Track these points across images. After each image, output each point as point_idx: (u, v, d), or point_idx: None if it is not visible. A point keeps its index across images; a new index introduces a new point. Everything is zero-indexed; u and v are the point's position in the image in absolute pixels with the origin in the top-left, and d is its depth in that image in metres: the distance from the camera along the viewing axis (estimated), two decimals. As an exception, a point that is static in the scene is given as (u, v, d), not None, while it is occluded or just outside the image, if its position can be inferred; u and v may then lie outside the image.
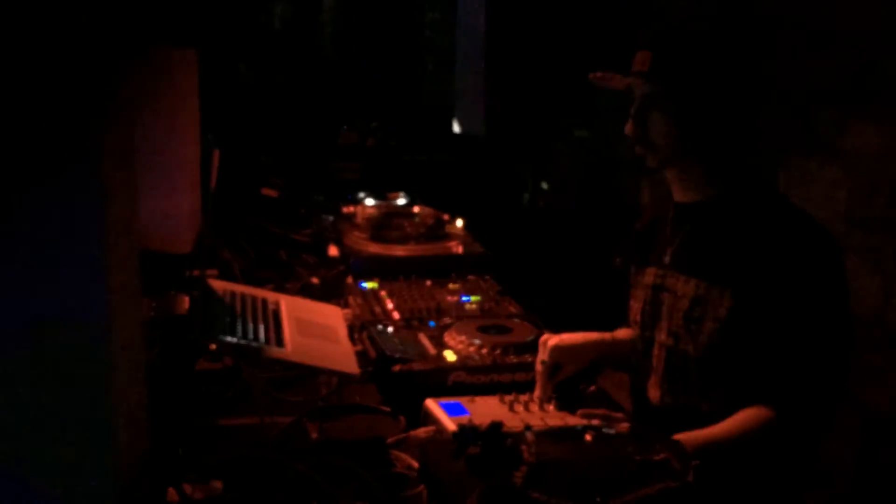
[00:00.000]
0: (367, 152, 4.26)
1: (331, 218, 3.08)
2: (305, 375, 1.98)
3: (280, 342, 1.95)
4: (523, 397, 1.80)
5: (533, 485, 1.29)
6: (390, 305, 2.31)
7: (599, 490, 1.28)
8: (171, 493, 1.51)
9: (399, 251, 2.69)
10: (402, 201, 3.34)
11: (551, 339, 1.87)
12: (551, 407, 1.79)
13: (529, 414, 1.75)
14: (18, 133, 1.20)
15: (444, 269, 2.61)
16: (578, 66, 3.54)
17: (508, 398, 1.79)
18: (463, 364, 1.92)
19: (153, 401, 1.45)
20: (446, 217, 2.94)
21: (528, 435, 1.40)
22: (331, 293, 2.53)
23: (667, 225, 1.86)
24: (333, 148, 4.29)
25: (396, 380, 1.88)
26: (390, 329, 2.11)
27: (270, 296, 2.26)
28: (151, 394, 1.43)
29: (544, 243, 4.34)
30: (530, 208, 4.01)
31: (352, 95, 5.51)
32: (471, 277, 2.58)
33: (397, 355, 1.94)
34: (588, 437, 1.47)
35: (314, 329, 2.12)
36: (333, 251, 2.86)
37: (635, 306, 1.91)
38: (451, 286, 2.49)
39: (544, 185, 4.38)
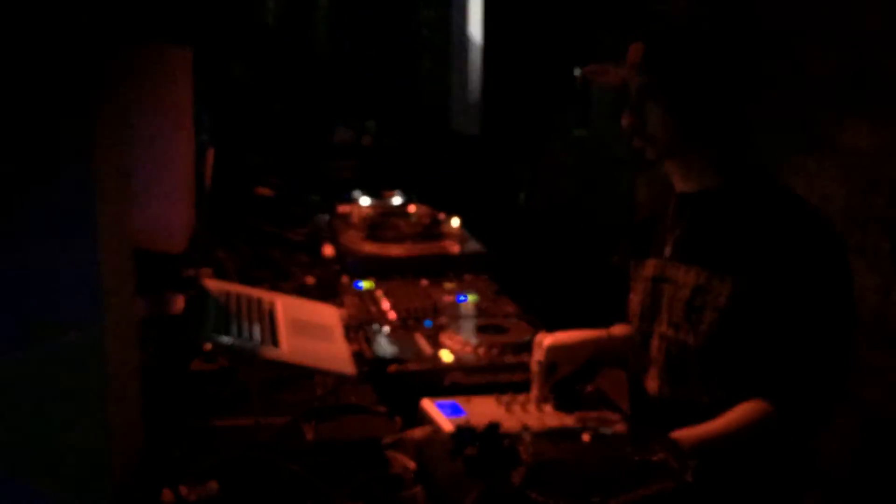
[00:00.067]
0: (362, 151, 4.26)
1: (326, 217, 3.08)
2: (301, 376, 1.97)
3: (275, 342, 1.94)
4: (520, 397, 1.80)
5: (531, 485, 1.29)
6: (386, 305, 2.30)
7: (597, 490, 1.28)
8: (167, 493, 1.50)
9: (395, 250, 2.69)
10: (397, 200, 3.34)
11: (546, 339, 1.87)
12: (548, 407, 1.79)
13: (526, 414, 1.75)
14: (10, 134, 1.19)
15: (440, 268, 2.61)
16: (575, 64, 3.54)
17: (505, 398, 1.79)
18: (459, 364, 1.92)
19: (148, 401, 1.45)
20: (442, 216, 2.94)
21: (526, 435, 1.40)
22: (326, 293, 2.52)
23: (667, 217, 1.86)
24: (329, 146, 4.29)
25: (392, 380, 1.88)
26: (386, 329, 2.11)
27: (266, 295, 2.25)
28: (146, 394, 1.43)
29: (541, 242, 4.34)
30: (527, 207, 4.01)
31: (347, 94, 5.51)
32: (467, 277, 2.58)
33: (393, 355, 1.93)
34: (586, 438, 1.47)
35: (310, 329, 2.11)
36: (329, 250, 2.86)
37: (634, 299, 1.91)
38: (447, 286, 2.49)
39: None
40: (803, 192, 1.84)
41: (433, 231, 2.82)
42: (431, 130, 5.02)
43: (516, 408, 1.77)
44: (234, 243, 2.89)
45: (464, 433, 1.39)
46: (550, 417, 1.74)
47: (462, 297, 2.39)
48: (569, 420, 1.72)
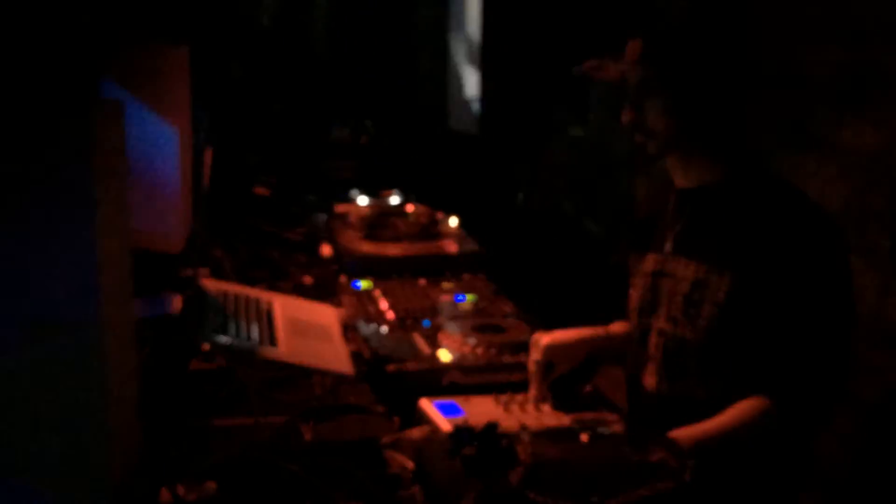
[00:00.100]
0: (360, 150, 4.26)
1: (324, 216, 3.08)
2: (299, 375, 1.97)
3: (273, 342, 1.94)
4: (518, 397, 1.80)
5: (529, 485, 1.29)
6: (384, 305, 2.30)
7: (596, 490, 1.28)
8: (165, 493, 1.50)
9: (393, 250, 2.69)
10: (395, 200, 3.34)
11: (543, 338, 1.87)
12: (546, 407, 1.79)
13: (525, 414, 1.75)
14: (9, 134, 1.19)
15: (438, 268, 2.61)
16: (573, 64, 3.54)
17: (503, 398, 1.79)
18: (457, 364, 1.92)
19: (146, 401, 1.44)
20: (440, 216, 2.94)
21: (524, 435, 1.40)
22: (324, 292, 2.52)
23: (667, 213, 1.87)
24: (326, 146, 4.29)
25: (390, 380, 1.88)
26: (384, 329, 2.11)
27: (263, 295, 2.26)
28: (145, 394, 1.43)
29: (539, 242, 4.34)
30: (525, 207, 4.01)
31: (345, 93, 5.51)
32: (465, 277, 2.58)
33: (391, 355, 1.93)
34: (584, 438, 1.47)
35: (308, 329, 2.11)
36: (327, 250, 2.86)
37: (634, 295, 1.91)
38: (445, 285, 2.49)
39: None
40: (798, 188, 1.84)
41: (431, 231, 2.82)
42: (429, 130, 5.03)
43: (514, 407, 1.77)
44: (231, 243, 2.89)
45: (462, 433, 1.39)
46: (548, 417, 1.74)
47: (460, 297, 2.39)
48: (565, 421, 1.72)
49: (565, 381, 1.88)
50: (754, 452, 1.69)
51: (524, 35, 3.74)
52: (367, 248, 2.70)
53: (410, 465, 1.60)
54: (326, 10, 6.04)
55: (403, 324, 2.16)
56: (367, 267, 2.57)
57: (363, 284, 2.47)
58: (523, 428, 1.46)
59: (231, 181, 3.28)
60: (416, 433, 1.72)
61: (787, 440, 1.72)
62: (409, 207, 3.16)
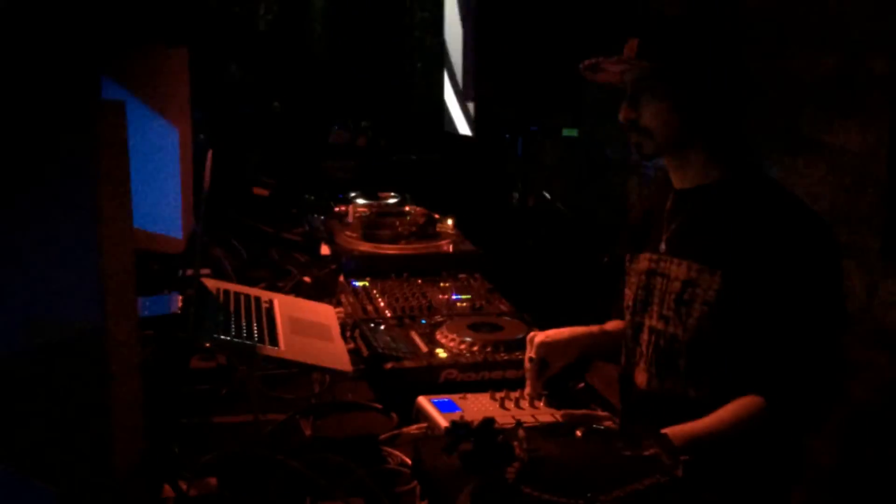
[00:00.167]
0: (358, 152, 4.27)
1: (321, 217, 3.10)
2: (298, 373, 1.99)
3: (273, 340, 1.96)
4: (514, 394, 1.82)
5: (525, 480, 1.30)
6: (382, 304, 2.32)
7: (590, 485, 1.29)
8: (167, 489, 1.52)
9: (390, 250, 2.71)
10: (392, 200, 3.36)
11: (538, 336, 1.88)
12: (541, 403, 1.81)
13: (520, 410, 1.77)
14: (10, 134, 1.20)
15: (434, 267, 2.63)
16: (567, 66, 3.55)
17: (499, 395, 1.81)
18: (454, 361, 1.94)
19: (148, 399, 1.46)
20: (437, 216, 2.96)
21: (520, 431, 1.41)
22: (323, 292, 2.54)
23: (663, 213, 1.87)
24: (324, 147, 4.30)
25: (388, 377, 1.90)
26: (382, 327, 2.13)
27: (263, 294, 2.27)
28: (146, 392, 1.44)
29: (534, 242, 4.35)
30: (520, 207, 4.03)
31: (342, 95, 5.52)
32: (461, 276, 2.60)
33: (389, 353, 1.95)
34: (578, 434, 1.49)
35: (307, 327, 2.13)
36: (325, 250, 2.88)
37: (628, 293, 1.92)
38: (442, 284, 2.51)
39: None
40: (791, 191, 1.85)
41: (428, 231, 2.84)
42: (426, 131, 5.04)
43: (510, 404, 1.79)
44: (232, 243, 2.91)
45: (459, 429, 1.39)
46: (543, 414, 1.76)
47: (457, 296, 2.41)
48: (559, 417, 1.74)
49: (560, 378, 1.90)
50: (747, 450, 1.69)
51: (519, 36, 3.75)
52: (365, 247, 2.72)
53: (408, 461, 1.62)
54: (323, 12, 6.05)
55: (401, 322, 2.18)
56: (366, 266, 2.59)
57: (361, 283, 2.48)
58: (519, 424, 1.47)
59: (231, 182, 3.29)
60: (413, 430, 1.74)
61: (780, 439, 1.73)
62: (407, 208, 3.19)
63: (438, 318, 2.20)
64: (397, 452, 1.67)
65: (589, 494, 1.26)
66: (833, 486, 2.62)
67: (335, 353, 2.00)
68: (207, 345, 1.88)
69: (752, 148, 1.87)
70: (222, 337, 1.89)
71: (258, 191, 3.35)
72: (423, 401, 1.80)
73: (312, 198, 3.38)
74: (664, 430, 1.57)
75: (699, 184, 1.81)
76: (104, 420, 1.26)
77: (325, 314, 2.28)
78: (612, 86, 1.82)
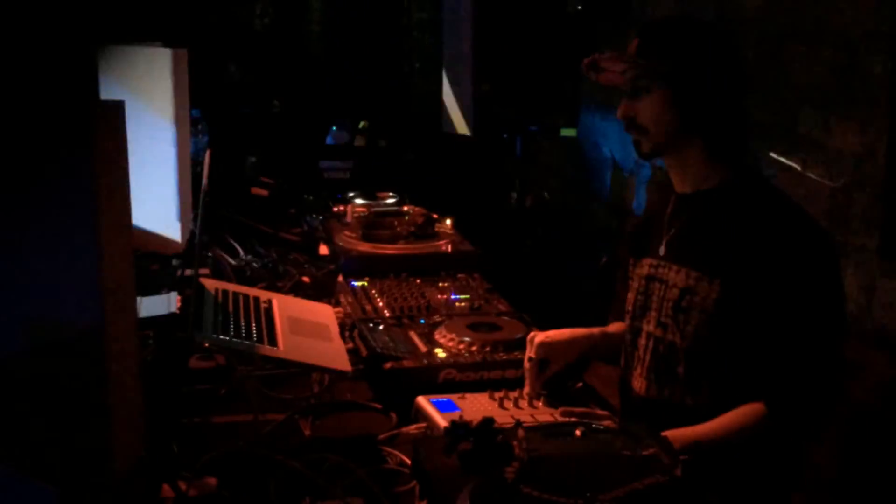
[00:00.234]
0: (356, 152, 4.27)
1: (320, 217, 3.10)
2: (298, 373, 1.99)
3: (272, 340, 1.96)
4: (513, 394, 1.82)
5: (524, 480, 1.30)
6: (381, 303, 2.32)
7: (590, 485, 1.29)
8: (166, 489, 1.52)
9: (389, 250, 2.71)
10: (391, 200, 3.36)
11: (538, 336, 1.89)
12: (540, 403, 1.81)
13: (519, 410, 1.77)
14: (11, 135, 1.21)
15: (433, 267, 2.63)
16: (566, 66, 3.56)
17: (498, 395, 1.81)
18: (453, 361, 1.94)
19: (147, 399, 1.46)
20: (435, 216, 2.96)
21: (520, 431, 1.41)
22: (322, 292, 2.54)
23: (664, 217, 1.87)
24: (323, 148, 4.30)
25: (387, 377, 1.90)
26: (381, 327, 2.13)
27: (262, 294, 2.27)
28: (145, 392, 1.44)
29: (532, 242, 4.36)
30: (518, 207, 4.03)
31: (341, 95, 5.52)
32: (460, 276, 2.60)
33: (388, 353, 1.95)
34: (578, 433, 1.49)
35: (306, 327, 2.13)
36: (324, 250, 2.88)
37: (630, 297, 1.92)
38: (440, 284, 2.51)
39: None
40: (789, 192, 1.85)
41: (427, 231, 2.84)
42: (424, 132, 5.04)
43: (509, 404, 1.79)
44: (230, 243, 2.91)
45: (458, 429, 1.39)
46: (542, 413, 1.76)
47: (456, 296, 2.41)
48: (555, 417, 1.74)
49: (559, 378, 1.90)
50: (747, 455, 1.69)
51: (517, 37, 3.76)
52: (364, 247, 2.72)
53: (408, 460, 1.62)
54: (322, 13, 6.05)
55: (400, 322, 2.18)
56: (364, 266, 2.59)
57: (360, 283, 2.49)
58: (518, 424, 1.47)
59: (230, 182, 3.30)
60: (412, 429, 1.75)
61: (782, 446, 1.73)
62: (405, 208, 3.19)
63: (437, 318, 2.20)
64: (396, 452, 1.67)
65: (588, 494, 1.26)
66: (832, 486, 2.62)
67: (334, 353, 2.00)
68: (206, 345, 1.89)
69: (750, 149, 1.87)
70: (221, 337, 1.89)
71: (257, 191, 3.36)
72: (422, 400, 1.80)
73: (311, 198, 3.39)
74: (664, 433, 1.57)
75: (699, 188, 1.81)
76: (104, 420, 1.26)
77: (325, 314, 2.28)
78: (615, 86, 1.82)
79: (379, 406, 1.86)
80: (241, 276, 2.63)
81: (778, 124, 2.93)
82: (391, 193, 3.45)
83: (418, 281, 2.53)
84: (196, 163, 3.04)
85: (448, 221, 2.96)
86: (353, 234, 2.80)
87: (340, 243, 2.74)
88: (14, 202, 1.21)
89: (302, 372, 1.98)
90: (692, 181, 1.82)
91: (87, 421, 1.25)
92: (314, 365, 1.92)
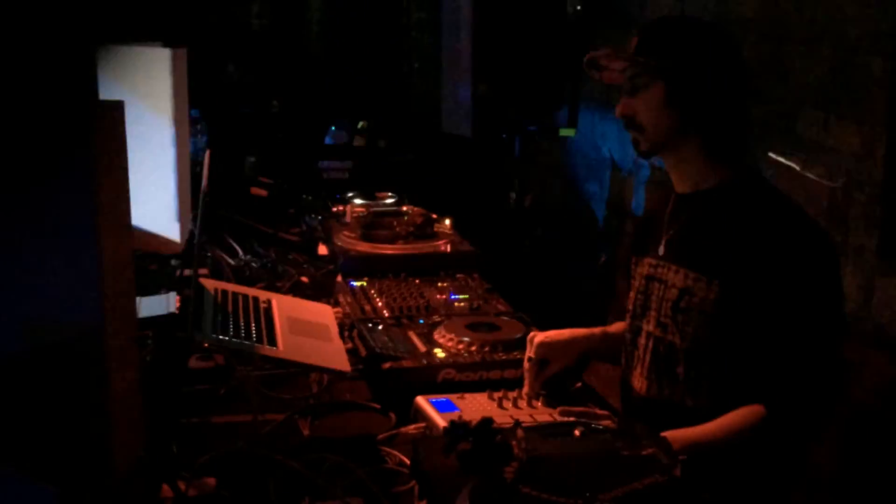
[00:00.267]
0: (355, 152, 4.27)
1: (319, 217, 3.10)
2: (297, 373, 1.99)
3: (272, 340, 1.96)
4: (512, 394, 1.82)
5: (523, 480, 1.30)
6: (380, 303, 2.33)
7: (589, 485, 1.29)
8: (166, 489, 1.52)
9: (388, 250, 2.71)
10: (390, 200, 3.37)
11: (537, 336, 1.89)
12: (539, 403, 1.81)
13: (518, 410, 1.78)
14: (11, 135, 1.21)
15: (432, 267, 2.64)
16: (565, 66, 3.56)
17: (497, 395, 1.81)
18: (452, 361, 1.94)
19: (146, 399, 1.46)
20: (434, 216, 2.96)
21: (519, 431, 1.42)
22: (321, 292, 2.55)
23: (664, 216, 1.87)
24: (322, 148, 4.30)
25: (387, 377, 1.90)
26: (380, 327, 2.13)
27: (262, 294, 2.28)
28: (145, 392, 1.45)
29: (531, 242, 4.36)
30: (517, 207, 4.03)
31: (340, 95, 5.52)
32: (459, 276, 2.60)
33: (387, 353, 1.96)
34: (577, 433, 1.49)
35: (305, 327, 2.13)
36: (323, 250, 2.88)
37: (631, 296, 1.93)
38: (439, 284, 2.51)
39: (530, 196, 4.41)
40: (788, 191, 1.85)
41: (426, 231, 2.84)
42: (423, 132, 5.04)
43: (508, 404, 1.79)
44: (229, 243, 2.91)
45: (457, 429, 1.40)
46: (541, 413, 1.76)
47: (454, 296, 2.41)
48: (554, 417, 1.74)
49: (559, 378, 1.90)
50: (747, 457, 1.69)
51: (516, 37, 3.76)
52: (363, 247, 2.72)
53: (407, 460, 1.63)
54: (320, 12, 6.05)
55: (399, 322, 2.18)
56: (363, 266, 2.59)
57: (359, 283, 2.49)
58: (518, 423, 1.48)
59: (229, 182, 3.30)
60: (412, 429, 1.75)
61: (782, 448, 1.72)
62: (404, 208, 3.19)
63: (436, 318, 2.21)
64: (396, 452, 1.67)
65: (587, 494, 1.27)
66: (831, 486, 2.62)
67: (334, 353, 2.01)
68: (206, 345, 1.89)
69: (750, 149, 1.87)
70: (220, 337, 1.89)
71: (256, 191, 3.36)
72: (421, 400, 1.80)
73: (310, 198, 3.39)
74: (663, 434, 1.58)
75: (698, 188, 1.81)
76: (103, 420, 1.27)
77: (324, 314, 2.28)
78: (617, 85, 1.83)
79: (378, 406, 1.86)
80: (240, 276, 2.63)
81: (776, 124, 2.93)
82: (390, 193, 3.45)
83: (417, 281, 2.54)
84: (195, 163, 3.04)
85: (447, 221, 2.96)
86: (352, 234, 2.80)
87: (339, 243, 2.74)
88: (14, 202, 1.21)
89: (301, 372, 1.99)
90: (691, 181, 1.82)
91: (87, 421, 1.26)
92: (313, 365, 1.92)
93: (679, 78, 1.73)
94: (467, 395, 1.81)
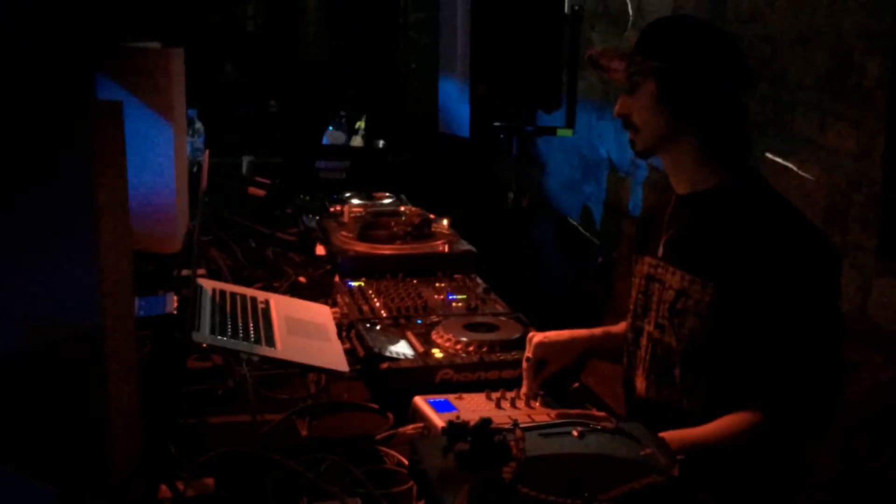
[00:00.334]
0: (352, 152, 4.27)
1: (316, 218, 3.10)
2: (295, 373, 1.99)
3: (270, 341, 1.96)
4: (510, 394, 1.82)
5: (521, 480, 1.30)
6: (378, 304, 2.33)
7: (587, 485, 1.29)
8: (164, 489, 1.52)
9: (386, 250, 2.71)
10: (388, 201, 3.37)
11: (536, 337, 1.89)
12: (537, 403, 1.81)
13: (516, 410, 1.77)
14: (9, 135, 1.21)
15: (430, 267, 2.63)
16: (563, 66, 3.56)
17: (495, 395, 1.81)
18: (450, 361, 1.94)
19: (145, 399, 1.46)
20: (432, 216, 2.96)
21: (517, 431, 1.42)
22: (319, 292, 2.55)
23: (664, 216, 1.88)
24: (319, 148, 4.30)
25: (384, 377, 1.90)
26: (378, 327, 2.13)
27: (259, 295, 2.27)
28: (143, 392, 1.45)
29: (529, 242, 4.36)
30: (515, 207, 4.04)
31: (338, 96, 5.52)
32: (457, 276, 2.60)
33: (385, 353, 1.96)
34: (575, 433, 1.49)
35: (303, 327, 2.13)
36: (320, 250, 2.88)
37: (632, 295, 1.93)
38: (437, 285, 2.51)
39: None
40: (785, 192, 1.85)
41: (423, 231, 2.84)
42: (421, 132, 5.04)
43: (506, 404, 1.79)
44: (227, 243, 2.91)
45: (456, 429, 1.40)
46: (539, 414, 1.76)
47: (452, 296, 2.42)
48: (552, 417, 1.74)
49: (558, 379, 1.90)
50: (746, 458, 1.69)
51: (513, 37, 3.77)
52: (361, 248, 2.72)
53: (405, 460, 1.62)
54: (318, 13, 6.05)
55: (397, 322, 2.18)
56: (361, 267, 2.59)
57: (357, 284, 2.49)
58: (516, 424, 1.48)
59: (227, 182, 3.30)
60: (410, 430, 1.75)
61: (780, 453, 1.72)
62: (402, 208, 3.19)
63: (434, 319, 2.21)
64: (394, 452, 1.68)
65: (585, 494, 1.27)
66: (829, 486, 2.63)
67: (332, 354, 2.00)
68: (204, 345, 1.89)
69: (750, 150, 1.87)
70: (219, 337, 1.89)
71: (253, 191, 3.36)
72: (419, 401, 1.80)
73: (308, 198, 3.39)
74: (661, 434, 1.58)
75: (696, 189, 1.81)
76: (102, 420, 1.27)
77: (321, 314, 2.28)
78: (616, 83, 1.83)
79: (376, 406, 1.86)
80: (237, 276, 2.63)
81: (774, 124, 2.93)
82: (388, 194, 3.45)
83: (415, 281, 2.54)
84: (192, 163, 3.04)
85: (445, 222, 2.96)
86: (350, 235, 2.80)
87: (337, 243, 2.74)
88: (13, 202, 1.21)
89: (299, 372, 1.99)
90: (688, 181, 1.82)
91: (86, 421, 1.26)
92: (312, 365, 1.92)
93: (670, 77, 1.73)
94: (465, 396, 1.81)
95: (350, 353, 2.05)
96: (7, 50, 1.23)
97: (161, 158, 2.21)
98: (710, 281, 1.72)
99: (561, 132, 3.77)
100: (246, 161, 3.85)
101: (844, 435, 2.57)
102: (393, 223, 2.90)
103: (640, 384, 1.86)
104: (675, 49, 1.74)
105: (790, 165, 2.84)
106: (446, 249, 2.75)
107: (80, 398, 1.25)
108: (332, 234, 2.82)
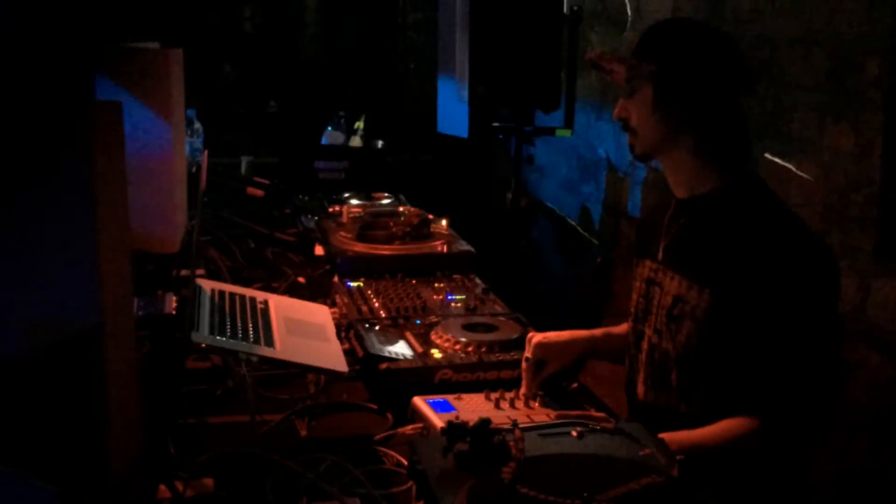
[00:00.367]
0: (351, 152, 4.27)
1: (315, 218, 3.10)
2: (294, 373, 1.99)
3: (269, 341, 1.96)
4: (509, 394, 1.82)
5: (521, 480, 1.30)
6: (377, 304, 2.33)
7: (586, 485, 1.30)
8: (163, 490, 1.52)
9: (384, 250, 2.71)
10: (387, 201, 3.36)
11: (536, 337, 1.89)
12: (536, 404, 1.81)
13: (515, 411, 1.77)
14: (9, 135, 1.21)
15: (429, 268, 2.64)
16: (562, 66, 3.56)
17: (494, 395, 1.81)
18: (449, 362, 1.94)
19: (144, 399, 1.46)
20: (431, 216, 2.96)
21: (516, 431, 1.42)
22: (317, 292, 2.55)
23: (664, 220, 1.88)
24: (318, 148, 4.30)
25: (383, 377, 1.90)
26: (377, 327, 2.13)
27: (258, 295, 2.27)
28: (142, 392, 1.45)
29: (528, 242, 4.36)
30: (514, 207, 4.04)
31: (336, 96, 5.53)
32: (456, 276, 2.60)
33: (384, 353, 1.96)
34: (574, 434, 1.49)
35: (302, 328, 2.13)
36: (319, 251, 2.88)
37: (633, 298, 1.93)
38: (436, 285, 2.51)
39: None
40: (782, 194, 1.85)
41: (422, 231, 2.84)
42: (419, 132, 5.05)
43: (505, 405, 1.79)
44: (226, 244, 2.91)
45: (455, 429, 1.40)
46: (539, 414, 1.76)
47: (451, 296, 2.42)
48: (551, 417, 1.74)
49: (557, 379, 1.90)
50: (746, 459, 1.69)
51: (512, 37, 3.77)
52: (360, 248, 2.72)
53: (404, 461, 1.62)
54: (317, 13, 6.06)
55: (396, 323, 2.18)
56: (360, 267, 2.59)
57: (356, 284, 2.49)
58: (515, 424, 1.48)
59: (226, 182, 3.30)
60: (409, 430, 1.75)
61: (778, 458, 1.72)
62: (401, 208, 3.19)
63: (433, 319, 2.21)
64: (393, 453, 1.68)
65: (585, 494, 1.27)
66: (829, 486, 2.63)
67: (331, 354, 2.00)
68: (203, 345, 1.89)
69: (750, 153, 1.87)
70: (218, 338, 1.89)
71: (252, 191, 3.36)
72: (418, 401, 1.80)
73: (307, 198, 3.39)
74: (660, 435, 1.58)
75: (694, 193, 1.81)
76: (101, 420, 1.27)
77: (321, 315, 2.28)
78: (619, 84, 1.84)
79: (375, 406, 1.86)
80: (236, 276, 2.63)
81: (773, 125, 2.94)
82: (386, 194, 3.45)
83: (414, 281, 2.54)
84: (191, 163, 3.04)
85: (444, 222, 2.96)
86: (349, 235, 2.80)
87: (336, 244, 2.74)
88: (12, 202, 1.21)
89: (298, 372, 1.99)
90: (687, 185, 1.82)
91: (86, 421, 1.26)
92: (311, 366, 1.92)
93: (667, 81, 1.73)
94: (464, 396, 1.81)
95: (349, 354, 2.05)
96: (7, 50, 1.23)
97: (160, 159, 2.20)
98: (706, 287, 1.72)
99: (560, 132, 3.77)
100: (245, 161, 3.85)
101: (844, 435, 2.57)
102: (392, 223, 2.90)
103: (641, 388, 1.87)
104: (671, 53, 1.74)
105: (789, 166, 2.84)
106: (445, 250, 2.75)
107: (79, 398, 1.25)
108: (330, 235, 2.82)
